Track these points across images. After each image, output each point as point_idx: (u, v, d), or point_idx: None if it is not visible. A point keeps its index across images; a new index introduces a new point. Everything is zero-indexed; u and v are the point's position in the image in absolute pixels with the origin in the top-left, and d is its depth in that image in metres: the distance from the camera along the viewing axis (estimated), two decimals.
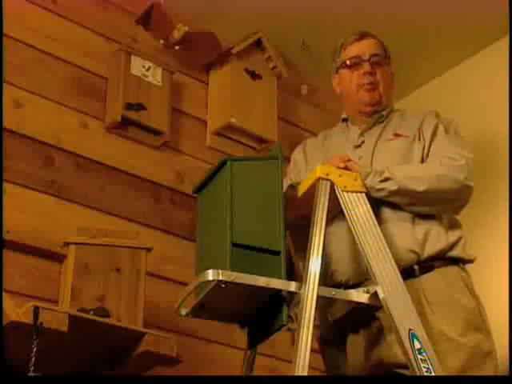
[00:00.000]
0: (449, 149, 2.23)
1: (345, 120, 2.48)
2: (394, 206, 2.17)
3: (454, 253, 2.18)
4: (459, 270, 2.17)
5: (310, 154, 2.44)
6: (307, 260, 1.96)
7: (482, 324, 2.12)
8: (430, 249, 2.15)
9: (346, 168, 2.13)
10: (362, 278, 2.12)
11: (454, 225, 2.23)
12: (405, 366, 1.99)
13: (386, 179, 2.12)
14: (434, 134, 2.28)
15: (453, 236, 2.20)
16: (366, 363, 2.14)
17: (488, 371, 2.06)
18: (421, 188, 2.13)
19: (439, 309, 2.08)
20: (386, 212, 2.17)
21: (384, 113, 2.41)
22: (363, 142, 2.36)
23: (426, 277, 2.12)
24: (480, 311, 2.14)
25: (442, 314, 2.07)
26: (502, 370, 2.50)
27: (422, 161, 2.25)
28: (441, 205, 2.19)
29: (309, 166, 2.37)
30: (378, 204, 2.14)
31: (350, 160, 2.17)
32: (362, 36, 2.43)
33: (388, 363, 2.09)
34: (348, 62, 2.41)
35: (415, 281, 2.10)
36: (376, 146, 2.32)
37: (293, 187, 2.21)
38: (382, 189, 2.13)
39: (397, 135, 2.33)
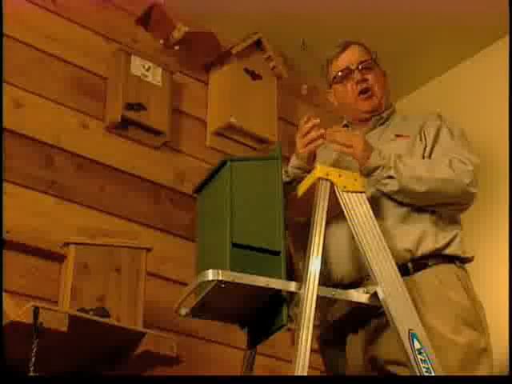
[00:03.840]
0: (457, 151, 2.23)
1: (346, 125, 2.49)
2: (392, 205, 2.18)
3: (450, 250, 2.18)
4: (454, 267, 2.17)
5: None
6: (307, 260, 1.96)
7: (476, 321, 2.11)
8: (425, 247, 2.16)
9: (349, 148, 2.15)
10: (357, 277, 2.12)
11: (452, 223, 2.23)
12: (398, 363, 2.00)
13: (390, 177, 2.13)
14: (436, 136, 2.28)
15: (449, 234, 2.20)
16: (365, 362, 2.14)
17: (483, 368, 2.06)
18: (422, 189, 2.14)
19: (432, 307, 2.08)
20: (384, 211, 2.17)
21: (384, 115, 2.41)
22: None
23: (419, 274, 2.13)
24: (475, 308, 2.14)
25: (435, 312, 2.07)
26: (502, 369, 2.51)
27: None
28: (440, 205, 2.20)
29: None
30: (376, 203, 2.15)
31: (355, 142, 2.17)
32: (345, 46, 2.43)
33: (382, 360, 2.09)
34: (337, 76, 2.41)
35: (409, 279, 2.09)
36: (377, 147, 2.32)
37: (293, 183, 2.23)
38: (385, 185, 2.15)
39: (398, 136, 2.33)
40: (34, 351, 1.98)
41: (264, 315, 2.03)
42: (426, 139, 2.28)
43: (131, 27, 3.07)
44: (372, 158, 2.15)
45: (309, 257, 1.96)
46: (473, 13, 3.15)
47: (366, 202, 2.08)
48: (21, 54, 2.79)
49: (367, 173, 2.15)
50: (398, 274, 2.00)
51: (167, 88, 3.01)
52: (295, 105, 3.51)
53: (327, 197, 2.04)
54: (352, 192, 2.08)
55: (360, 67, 2.39)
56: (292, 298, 1.97)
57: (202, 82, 3.26)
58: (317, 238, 1.98)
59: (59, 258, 2.51)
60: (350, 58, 2.41)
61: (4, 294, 2.11)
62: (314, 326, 1.90)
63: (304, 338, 1.86)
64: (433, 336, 1.99)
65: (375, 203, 2.15)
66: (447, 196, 2.17)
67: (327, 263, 2.15)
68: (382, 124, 2.40)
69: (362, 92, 2.38)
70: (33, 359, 1.98)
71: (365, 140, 2.18)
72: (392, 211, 2.18)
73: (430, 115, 2.37)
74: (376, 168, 2.14)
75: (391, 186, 2.14)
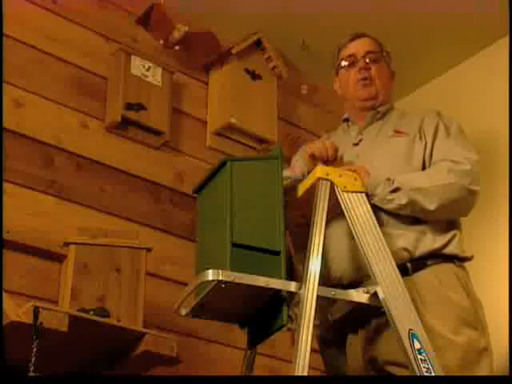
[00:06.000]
0: (453, 151, 2.22)
1: (346, 120, 2.49)
2: None
3: (448, 250, 2.18)
4: (453, 267, 2.17)
5: None
6: (307, 260, 1.96)
7: (476, 321, 2.11)
8: (423, 247, 2.15)
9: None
10: (356, 277, 2.12)
11: (451, 223, 2.23)
12: (398, 364, 2.00)
13: (396, 189, 2.12)
14: (435, 134, 2.28)
15: (448, 234, 2.20)
16: (364, 362, 2.14)
17: (483, 368, 2.06)
18: (432, 207, 2.13)
19: (432, 307, 2.08)
20: (383, 214, 2.16)
21: (381, 109, 2.41)
22: (361, 140, 2.37)
23: (418, 274, 2.13)
24: (475, 308, 2.14)
25: (434, 312, 2.07)
26: (502, 369, 2.51)
27: (424, 161, 2.25)
28: (449, 214, 2.20)
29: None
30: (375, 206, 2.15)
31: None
32: (357, 36, 2.46)
33: (382, 361, 2.09)
34: (343, 62, 2.44)
35: (408, 279, 2.09)
36: (375, 144, 2.33)
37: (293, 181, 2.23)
38: (392, 200, 2.12)
39: (397, 132, 2.33)
40: (34, 351, 1.98)
41: (264, 315, 2.03)
42: (425, 138, 2.28)
43: (131, 27, 3.07)
44: (370, 178, 2.14)
45: (309, 257, 1.96)
46: (473, 13, 3.15)
47: (366, 201, 2.08)
48: (21, 53, 2.79)
49: (371, 189, 2.12)
50: (398, 274, 2.00)
51: (167, 88, 3.01)
52: (295, 105, 3.51)
53: (327, 197, 2.05)
54: (352, 192, 2.08)
55: (366, 57, 2.40)
56: (292, 298, 1.97)
57: (202, 81, 3.25)
58: (317, 238, 1.98)
59: (59, 258, 2.52)
60: (358, 47, 2.43)
61: (4, 293, 2.11)
62: (314, 326, 1.90)
63: (304, 338, 1.86)
64: (433, 336, 1.99)
65: (374, 213, 2.12)
66: (455, 202, 2.16)
67: (327, 263, 2.15)
68: (379, 119, 2.41)
69: (362, 79, 2.39)
70: (33, 359, 1.98)
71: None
72: (391, 217, 2.16)
73: (429, 113, 2.37)
74: (377, 185, 2.12)
75: (399, 199, 2.12)
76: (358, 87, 2.40)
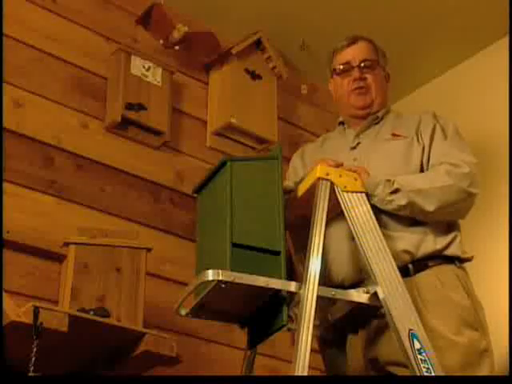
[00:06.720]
0: (451, 154, 2.22)
1: (341, 123, 2.49)
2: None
3: (449, 251, 2.18)
4: (454, 268, 2.17)
5: (308, 159, 2.44)
6: (307, 260, 1.96)
7: (477, 322, 2.11)
8: (425, 249, 2.15)
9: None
10: (358, 278, 2.12)
11: (451, 224, 2.23)
12: (399, 364, 2.00)
13: (396, 191, 2.12)
14: (432, 136, 2.28)
15: (449, 236, 2.20)
16: (365, 362, 2.14)
17: (483, 369, 2.06)
18: (431, 208, 2.13)
19: (433, 307, 2.08)
20: (384, 215, 2.16)
21: (379, 114, 2.41)
22: (358, 143, 2.37)
23: (420, 275, 2.13)
24: (476, 309, 2.14)
25: (435, 312, 2.07)
26: (502, 369, 2.51)
27: (422, 163, 2.25)
28: (448, 216, 2.20)
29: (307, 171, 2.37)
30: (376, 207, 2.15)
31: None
32: (353, 41, 2.43)
33: (383, 361, 2.09)
34: (338, 69, 2.43)
35: (410, 279, 2.09)
36: (372, 147, 2.32)
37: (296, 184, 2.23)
38: (391, 201, 2.12)
39: (395, 135, 2.33)
40: (34, 351, 1.98)
41: (264, 315, 2.03)
42: (422, 140, 2.28)
43: (131, 27, 3.07)
44: (369, 177, 2.14)
45: (309, 257, 1.96)
46: (473, 13, 3.15)
47: (367, 202, 2.08)
48: (21, 53, 2.79)
49: (370, 189, 2.12)
50: (398, 274, 2.00)
51: (167, 88, 3.01)
52: (295, 105, 3.51)
53: (327, 197, 2.04)
54: (352, 192, 2.08)
55: (361, 65, 2.40)
56: (292, 298, 1.97)
57: (202, 82, 3.26)
58: (317, 238, 1.98)
59: (59, 258, 2.51)
60: (354, 53, 2.41)
61: (4, 293, 2.11)
62: (314, 326, 1.90)
63: (304, 338, 1.86)
64: (433, 336, 1.99)
65: (375, 214, 2.12)
66: (453, 205, 2.16)
67: (328, 264, 2.15)
68: (377, 123, 2.41)
69: (356, 89, 2.39)
70: (33, 359, 1.98)
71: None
72: (392, 219, 2.17)
73: (425, 114, 2.36)
74: (377, 185, 2.12)
75: (399, 200, 2.11)
76: (353, 96, 2.39)
